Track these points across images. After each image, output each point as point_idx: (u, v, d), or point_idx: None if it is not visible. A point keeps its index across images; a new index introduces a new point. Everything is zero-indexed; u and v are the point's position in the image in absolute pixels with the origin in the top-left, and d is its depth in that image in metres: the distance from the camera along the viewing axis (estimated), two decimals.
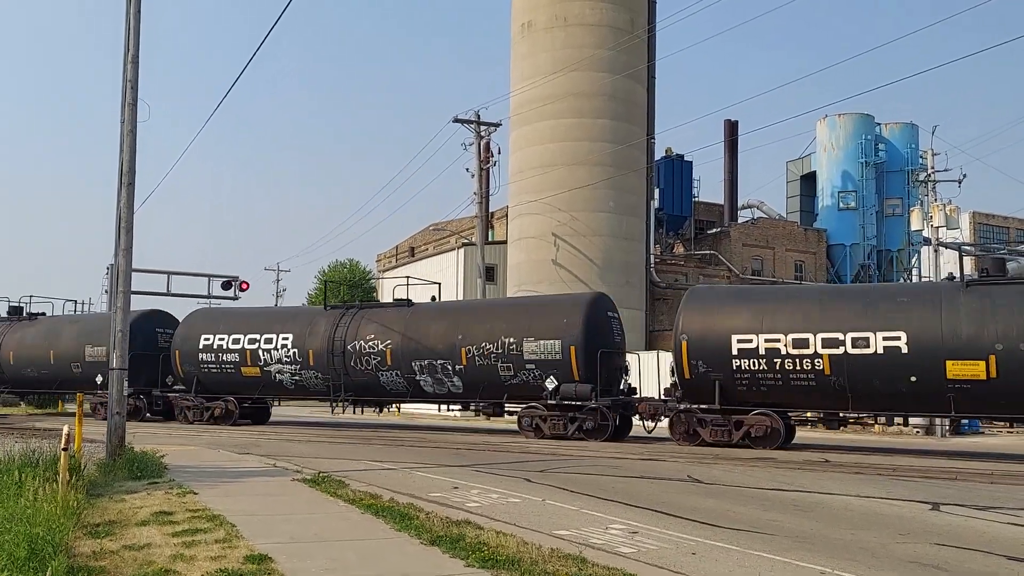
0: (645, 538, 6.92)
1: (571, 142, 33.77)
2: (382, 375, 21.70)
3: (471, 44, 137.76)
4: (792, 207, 53.59)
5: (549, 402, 19.08)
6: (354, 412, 24.92)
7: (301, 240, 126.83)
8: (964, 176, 34.45)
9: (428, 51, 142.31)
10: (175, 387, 25.93)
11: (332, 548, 6.46)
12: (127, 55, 13.23)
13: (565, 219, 33.57)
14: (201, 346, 24.33)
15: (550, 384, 19.01)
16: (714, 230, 46.19)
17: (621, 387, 20.12)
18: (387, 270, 50.14)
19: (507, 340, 19.77)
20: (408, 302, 22.66)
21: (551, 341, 19.20)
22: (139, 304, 28.19)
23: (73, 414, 12.83)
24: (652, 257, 38.43)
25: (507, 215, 37.83)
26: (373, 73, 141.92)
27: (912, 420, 22.11)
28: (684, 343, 17.08)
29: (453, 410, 24.61)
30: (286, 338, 23.07)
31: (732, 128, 47.08)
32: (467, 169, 34.32)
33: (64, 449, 8.82)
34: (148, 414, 26.36)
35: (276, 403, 27.38)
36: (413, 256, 48.68)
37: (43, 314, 32.39)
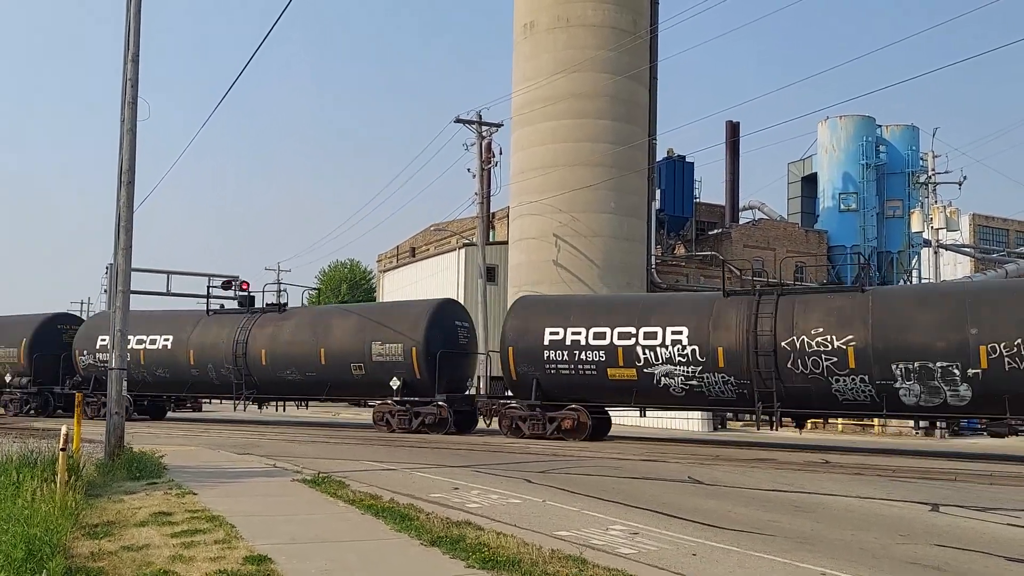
0: (645, 539, 6.90)
1: (573, 143, 33.75)
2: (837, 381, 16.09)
3: (473, 44, 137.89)
4: (793, 208, 53.57)
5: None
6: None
7: (301, 240, 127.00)
8: (964, 178, 34.55)
9: (430, 51, 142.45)
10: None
11: (332, 549, 6.43)
12: (127, 53, 13.24)
13: (566, 220, 33.55)
14: (547, 342, 18.87)
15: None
16: (715, 231, 46.16)
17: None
18: (388, 270, 50.13)
19: None
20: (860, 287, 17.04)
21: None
22: (138, 304, 28.40)
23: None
24: (653, 258, 38.40)
25: (508, 216, 37.80)
26: (374, 73, 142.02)
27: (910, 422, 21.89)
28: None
29: None
30: (677, 332, 17.53)
31: (734, 129, 47.06)
32: (468, 169, 34.29)
33: (62, 449, 8.81)
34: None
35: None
36: (414, 256, 48.66)
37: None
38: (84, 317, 36.02)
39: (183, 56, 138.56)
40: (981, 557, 6.57)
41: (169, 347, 25.20)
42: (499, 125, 34.42)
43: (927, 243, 33.00)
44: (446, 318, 21.69)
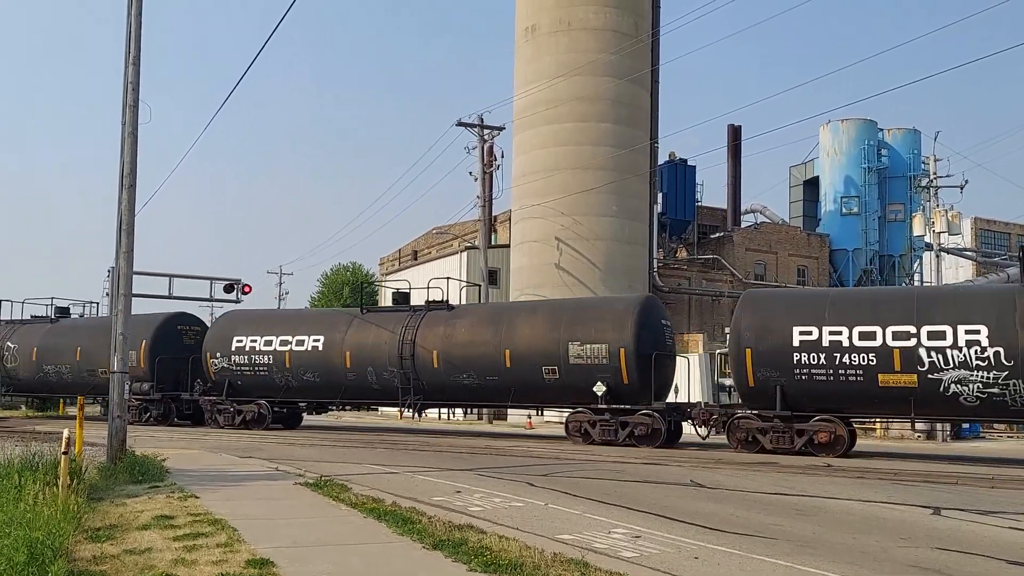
0: (648, 542, 6.89)
1: (574, 146, 33.79)
2: None
3: (475, 47, 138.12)
4: (795, 212, 53.58)
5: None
6: None
7: (303, 243, 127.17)
8: (966, 182, 34.57)
9: (430, 52, 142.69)
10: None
11: (334, 552, 6.44)
12: (128, 57, 13.26)
13: (568, 223, 33.57)
14: (797, 343, 17.13)
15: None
16: (717, 235, 46.15)
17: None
18: (390, 273, 50.18)
19: None
20: None
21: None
22: (140, 307, 28.18)
23: (74, 417, 12.83)
24: (655, 261, 38.42)
25: (510, 219, 37.85)
26: (375, 75, 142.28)
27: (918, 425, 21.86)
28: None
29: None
30: (973, 331, 15.64)
31: (735, 133, 47.10)
32: (470, 173, 34.37)
33: (64, 453, 8.82)
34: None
35: None
36: (416, 260, 48.72)
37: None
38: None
39: (183, 57, 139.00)
40: (982, 560, 6.57)
41: (320, 348, 22.49)
42: (501, 128, 34.50)
43: (929, 247, 33.00)
44: (653, 316, 19.54)
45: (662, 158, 41.00)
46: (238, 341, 23.72)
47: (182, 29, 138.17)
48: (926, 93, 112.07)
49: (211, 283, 39.75)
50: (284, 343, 23.06)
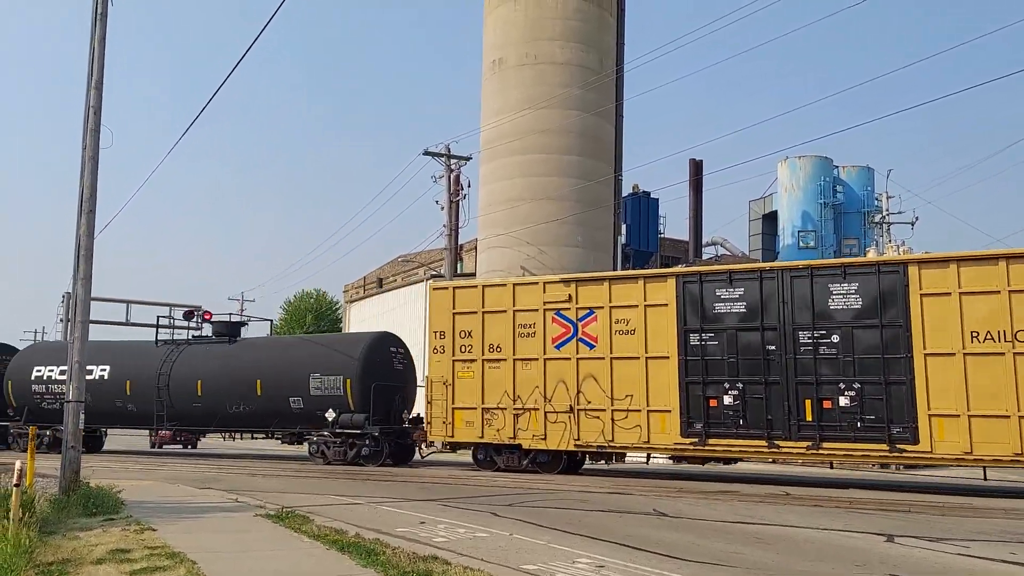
0: (612, 572, 6.94)
1: (540, 177, 34.19)
2: None
3: (442, 77, 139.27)
4: (755, 245, 54.72)
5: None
6: None
7: (267, 270, 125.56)
8: (916, 219, 35.86)
9: (399, 83, 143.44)
10: None
11: None
12: (91, 80, 13.15)
13: (533, 252, 33.83)
14: None
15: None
16: (679, 266, 46.84)
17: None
18: (354, 301, 49.80)
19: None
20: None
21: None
22: (98, 334, 27.76)
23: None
24: None
25: (476, 248, 37.99)
26: (342, 104, 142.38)
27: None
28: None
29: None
30: None
31: (697, 167, 48.13)
32: (437, 201, 34.50)
33: (16, 485, 8.57)
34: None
35: None
36: (381, 287, 48.46)
37: None
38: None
39: (147, 76, 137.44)
40: None
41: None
42: (467, 158, 34.78)
43: None
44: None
45: (626, 190, 41.68)
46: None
47: (148, 46, 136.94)
48: (880, 130, 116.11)
49: (170, 309, 39.00)
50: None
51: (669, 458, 21.02)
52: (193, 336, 26.75)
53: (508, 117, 34.23)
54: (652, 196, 44.69)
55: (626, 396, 17.32)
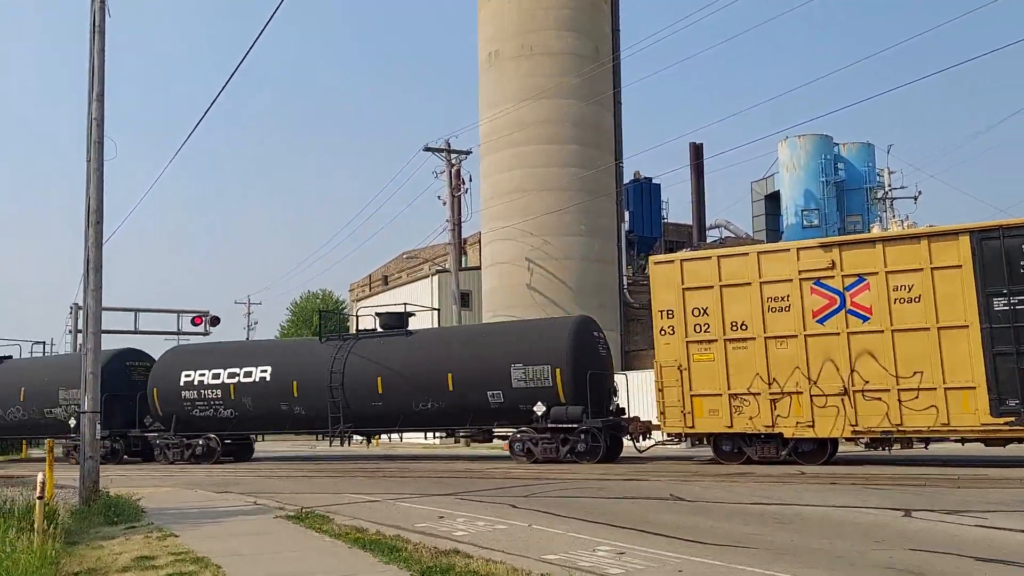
0: (632, 558, 7.00)
1: (541, 168, 34.18)
2: None
3: (440, 72, 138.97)
4: (758, 225, 54.63)
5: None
6: None
7: (271, 272, 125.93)
8: (919, 193, 35.74)
9: (396, 79, 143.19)
10: None
11: None
12: (92, 93, 13.21)
13: (538, 243, 33.86)
14: None
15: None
16: (684, 250, 46.82)
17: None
18: (361, 299, 49.92)
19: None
20: None
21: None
22: (107, 343, 27.48)
23: (39, 460, 12.57)
24: (625, 279, 38.85)
25: (480, 241, 38.02)
26: (341, 101, 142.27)
27: None
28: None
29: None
30: None
31: (697, 151, 48.03)
32: (439, 197, 34.59)
33: (40, 497, 8.66)
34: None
35: None
36: (387, 285, 48.57)
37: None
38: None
39: (145, 84, 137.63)
40: (953, 559, 6.79)
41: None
42: (468, 153, 34.79)
43: None
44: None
45: (627, 177, 41.63)
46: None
47: (145, 57, 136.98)
48: (879, 106, 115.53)
49: (179, 316, 39.18)
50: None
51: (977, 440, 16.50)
52: (359, 331, 23.75)
53: (506, 109, 34.19)
54: (654, 182, 44.65)
55: (914, 373, 15.27)
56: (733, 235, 52.39)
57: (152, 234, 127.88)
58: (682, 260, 17.87)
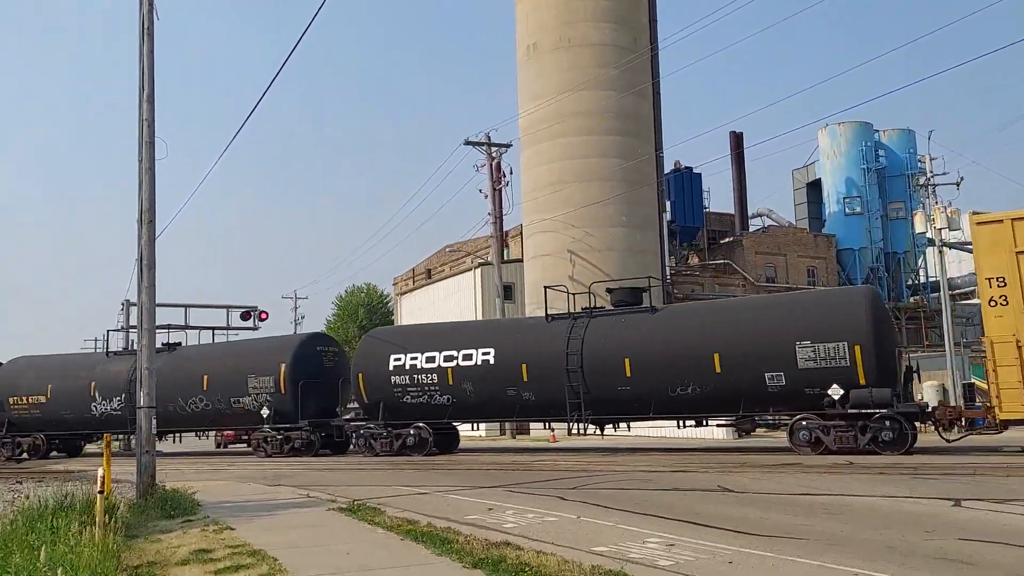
0: (682, 550, 6.98)
1: (581, 159, 34.05)
2: None
3: (480, 66, 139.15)
4: (800, 214, 53.76)
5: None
6: None
7: (315, 267, 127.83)
8: (962, 178, 34.85)
9: (436, 74, 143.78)
10: None
11: None
12: (142, 94, 13.47)
13: (579, 235, 33.76)
14: None
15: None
16: (727, 239, 46.26)
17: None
18: (404, 293, 50.40)
19: None
20: None
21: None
22: (158, 338, 26.72)
23: (97, 455, 12.96)
24: (668, 269, 38.51)
25: (522, 233, 38.06)
26: (383, 99, 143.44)
27: None
28: None
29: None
30: None
31: (738, 140, 47.37)
32: (480, 190, 34.67)
33: (100, 492, 8.93)
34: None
35: None
36: (430, 278, 48.95)
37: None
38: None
39: (194, 85, 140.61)
40: (1003, 548, 6.67)
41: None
42: (508, 146, 34.81)
43: (931, 243, 33.17)
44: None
45: (668, 167, 41.23)
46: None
47: (195, 55, 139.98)
48: (919, 93, 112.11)
49: (227, 311, 40.02)
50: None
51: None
52: (592, 308, 21.31)
53: (546, 101, 34.12)
54: (694, 171, 44.15)
55: None
56: (776, 223, 51.54)
57: (200, 231, 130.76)
58: (1013, 220, 15.73)
